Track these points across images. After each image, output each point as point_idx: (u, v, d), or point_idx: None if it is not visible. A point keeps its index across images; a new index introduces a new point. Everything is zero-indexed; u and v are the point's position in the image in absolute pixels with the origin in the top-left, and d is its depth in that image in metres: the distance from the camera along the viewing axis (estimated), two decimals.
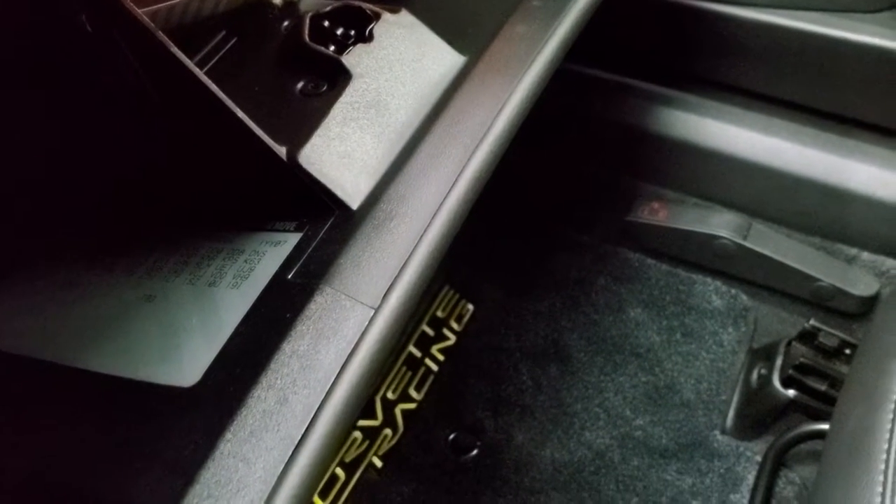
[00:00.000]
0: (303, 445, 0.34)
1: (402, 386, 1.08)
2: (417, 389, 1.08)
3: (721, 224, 1.08)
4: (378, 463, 1.02)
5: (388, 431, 1.04)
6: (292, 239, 0.44)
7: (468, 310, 1.15)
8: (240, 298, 0.41)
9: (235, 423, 0.35)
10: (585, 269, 1.17)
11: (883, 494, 0.57)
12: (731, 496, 0.96)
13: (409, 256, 0.41)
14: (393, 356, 1.09)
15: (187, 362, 0.39)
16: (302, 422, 0.35)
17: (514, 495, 0.99)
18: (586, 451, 1.02)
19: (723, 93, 1.07)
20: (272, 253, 0.43)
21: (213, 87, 0.41)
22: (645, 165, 1.14)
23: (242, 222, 0.46)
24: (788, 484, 0.96)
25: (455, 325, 1.14)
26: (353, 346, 0.38)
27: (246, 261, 0.43)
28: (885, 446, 0.60)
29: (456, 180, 0.44)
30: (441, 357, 1.11)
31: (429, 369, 1.10)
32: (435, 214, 0.42)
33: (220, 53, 0.51)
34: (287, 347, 0.38)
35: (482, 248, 1.20)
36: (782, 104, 1.04)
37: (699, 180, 1.11)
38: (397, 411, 1.06)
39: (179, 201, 0.49)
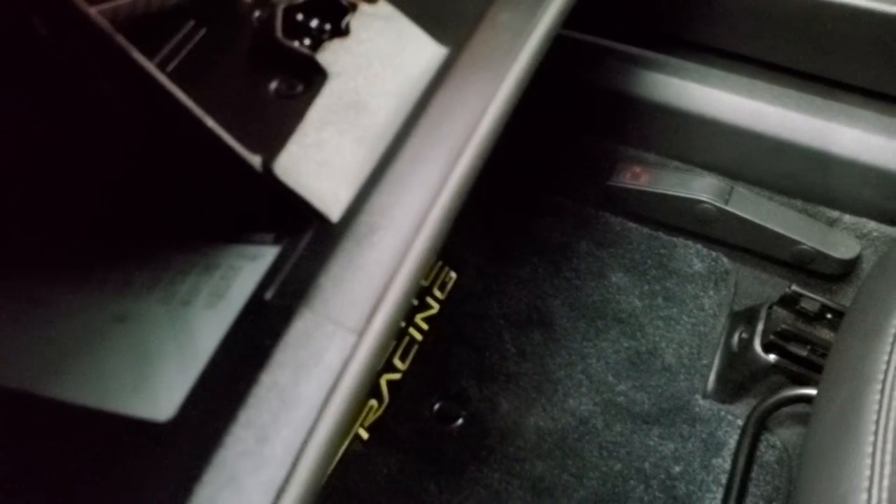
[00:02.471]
0: (285, 491, 0.33)
1: (386, 356, 1.07)
2: (402, 359, 1.08)
3: (702, 188, 1.07)
4: (364, 434, 1.02)
5: (373, 402, 1.04)
6: (270, 253, 0.41)
7: (451, 278, 1.14)
8: (216, 320, 0.39)
9: (214, 465, 0.33)
10: (567, 234, 1.16)
11: (871, 478, 0.57)
12: (714, 461, 0.97)
13: (394, 274, 0.39)
14: None
15: (162, 393, 0.37)
16: (283, 464, 0.33)
17: (500, 464, 1.00)
18: (570, 419, 1.02)
19: (705, 55, 1.04)
20: (249, 268, 0.41)
21: (180, 95, 0.39)
22: (626, 129, 1.12)
23: (217, 233, 0.44)
24: (770, 448, 0.97)
25: (438, 294, 1.13)
26: (335, 377, 0.36)
27: (222, 277, 0.41)
28: (873, 428, 0.60)
29: (441, 187, 0.42)
30: (425, 326, 1.10)
31: (413, 339, 1.09)
32: (420, 226, 0.41)
33: (189, 46, 0.48)
34: (266, 380, 0.36)
35: (463, 214, 1.19)
36: (766, 66, 1.02)
37: (681, 144, 1.09)
38: (382, 382, 1.06)
39: (148, 210, 0.47)
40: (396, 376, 1.06)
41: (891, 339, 0.67)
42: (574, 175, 1.18)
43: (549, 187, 1.20)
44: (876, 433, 0.60)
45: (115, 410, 0.37)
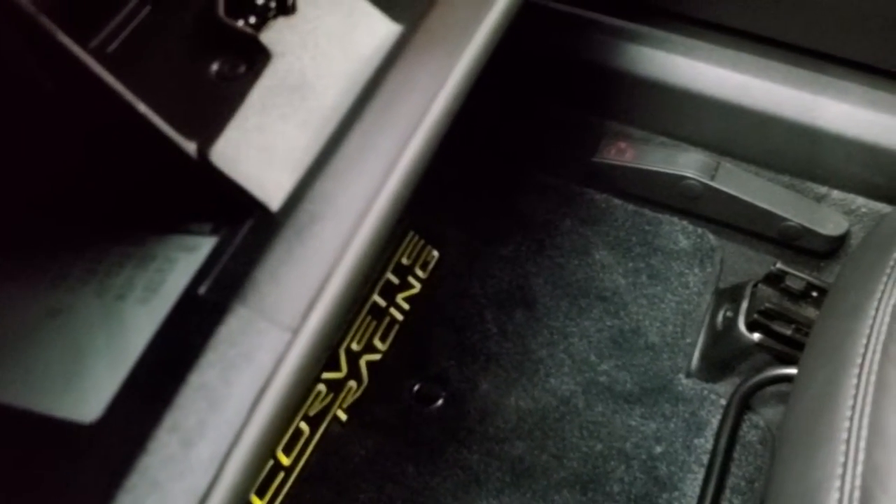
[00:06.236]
0: (208, 498, 0.31)
1: (366, 336, 1.06)
2: (382, 340, 1.06)
3: (688, 164, 1.05)
4: (342, 416, 1.01)
5: (352, 384, 1.03)
6: (207, 244, 0.40)
7: (433, 256, 1.13)
8: (147, 316, 0.37)
9: (137, 470, 0.32)
10: (551, 212, 1.14)
11: (845, 465, 0.56)
12: (696, 440, 0.96)
13: (333, 267, 0.37)
14: (357, 305, 1.07)
15: (90, 392, 0.35)
16: (207, 470, 0.32)
17: (479, 445, 0.99)
18: (551, 399, 1.01)
19: (690, 27, 1.02)
20: (185, 260, 0.39)
21: (110, 79, 0.37)
22: (611, 104, 1.09)
23: (154, 223, 0.42)
24: (752, 428, 0.96)
25: (420, 273, 1.11)
26: (266, 378, 0.34)
27: (157, 270, 0.39)
28: (849, 413, 0.59)
29: (388, 174, 0.40)
30: (406, 306, 1.09)
31: (394, 319, 1.08)
32: (364, 215, 0.39)
33: (131, 26, 0.45)
34: (194, 380, 0.34)
35: (446, 191, 1.17)
36: (752, 39, 0.99)
37: (666, 119, 1.07)
38: (362, 363, 1.04)
39: (83, 198, 0.45)
40: (376, 357, 1.05)
41: (870, 321, 0.65)
42: (558, 151, 1.16)
43: (533, 164, 1.18)
44: (851, 419, 0.59)
45: (41, 410, 0.36)
